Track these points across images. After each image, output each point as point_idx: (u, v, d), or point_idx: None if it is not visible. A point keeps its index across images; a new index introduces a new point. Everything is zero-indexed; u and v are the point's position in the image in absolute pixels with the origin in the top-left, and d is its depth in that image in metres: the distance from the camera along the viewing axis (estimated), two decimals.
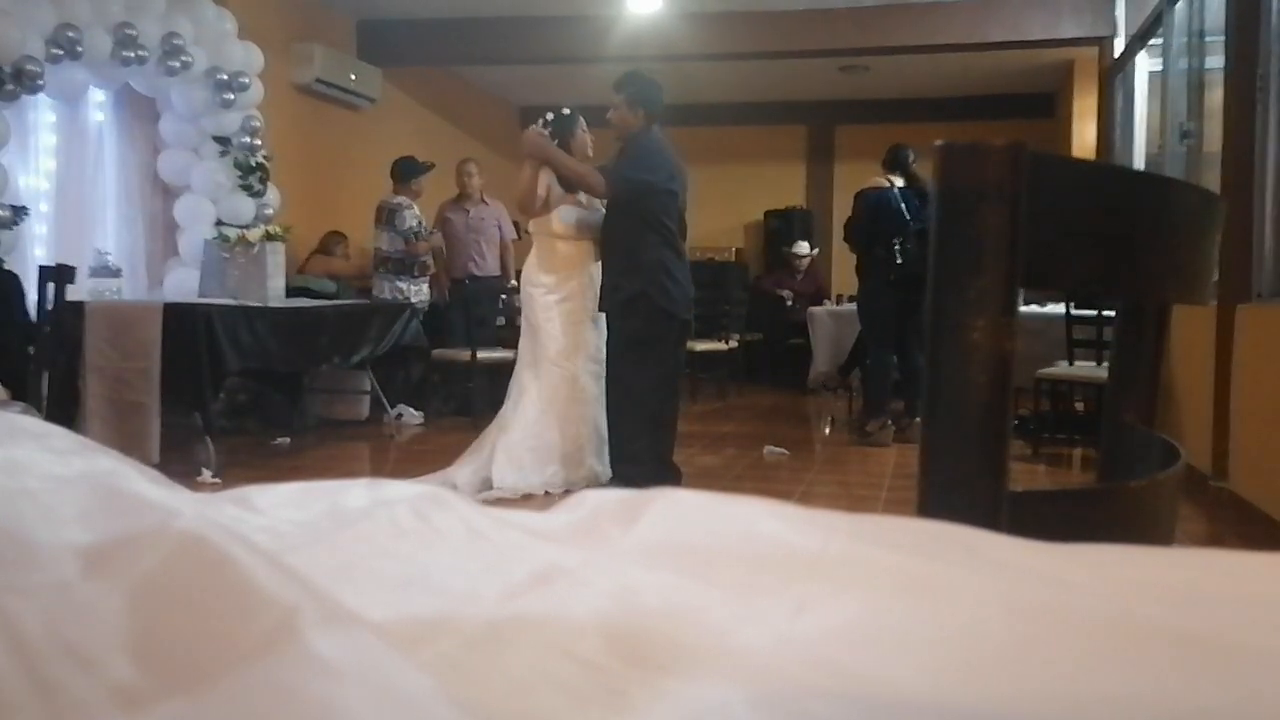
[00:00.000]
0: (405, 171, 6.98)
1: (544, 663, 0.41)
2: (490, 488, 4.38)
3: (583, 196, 4.65)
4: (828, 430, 7.28)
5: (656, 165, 4.39)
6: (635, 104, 4.44)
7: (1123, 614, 0.42)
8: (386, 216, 6.85)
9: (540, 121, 4.68)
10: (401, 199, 6.88)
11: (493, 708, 0.38)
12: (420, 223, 6.89)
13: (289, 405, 6.39)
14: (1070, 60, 8.72)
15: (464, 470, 4.54)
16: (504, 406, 4.68)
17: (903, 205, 6.01)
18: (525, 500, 4.33)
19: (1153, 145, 6.94)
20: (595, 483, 4.48)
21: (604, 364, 4.53)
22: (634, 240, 4.35)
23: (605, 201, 4.52)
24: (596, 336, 4.59)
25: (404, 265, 6.89)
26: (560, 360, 4.56)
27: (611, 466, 4.46)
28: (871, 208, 6.12)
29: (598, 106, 4.84)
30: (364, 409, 6.63)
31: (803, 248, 9.94)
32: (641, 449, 4.35)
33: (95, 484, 0.55)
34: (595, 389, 4.57)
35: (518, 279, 7.46)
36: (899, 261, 5.97)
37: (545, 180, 4.59)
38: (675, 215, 4.42)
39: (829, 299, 9.61)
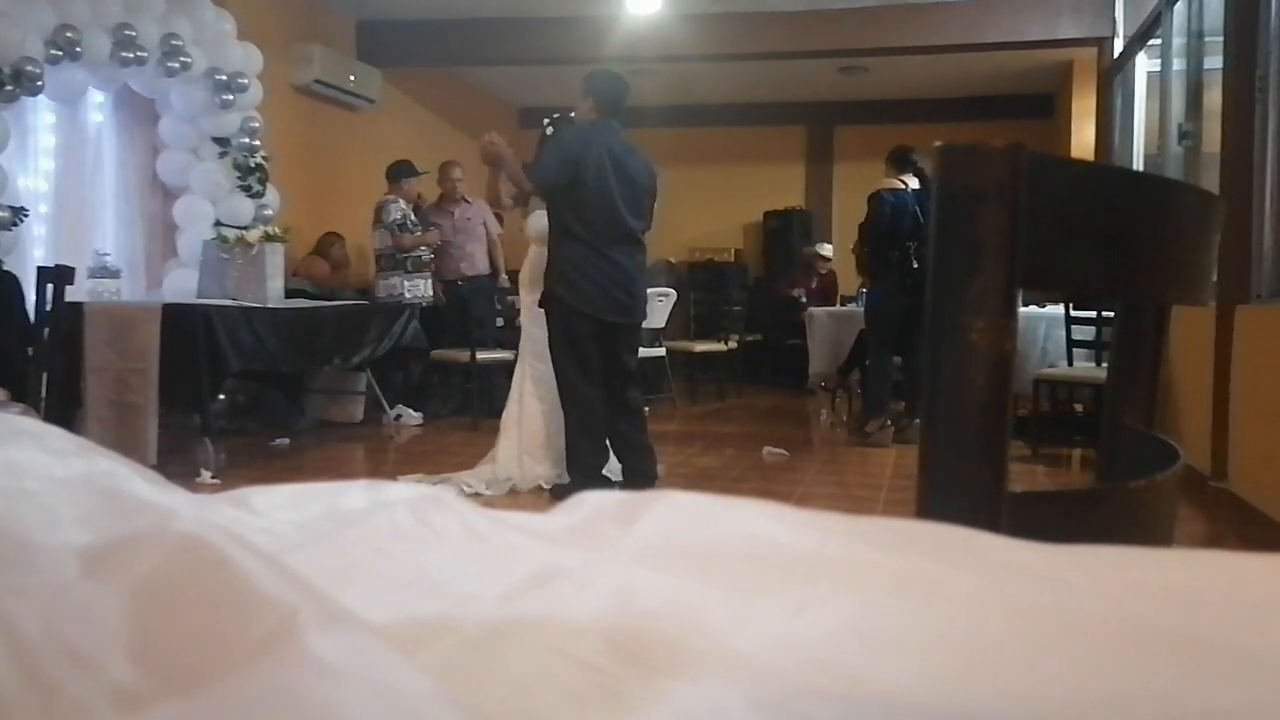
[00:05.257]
0: (397, 172, 7.13)
1: (543, 664, 0.41)
2: (502, 482, 4.55)
3: None
4: (829, 424, 7.28)
5: (556, 161, 4.22)
6: (586, 94, 4.43)
7: (1122, 615, 0.42)
8: (376, 214, 6.98)
9: (545, 122, 4.79)
10: (390, 196, 7.00)
11: (492, 709, 0.38)
12: (405, 215, 6.93)
13: (288, 406, 6.39)
14: (1069, 61, 8.72)
15: (481, 470, 4.64)
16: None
17: (917, 208, 5.99)
18: (524, 500, 4.34)
19: (1151, 146, 6.94)
20: (551, 483, 4.56)
21: None
22: (550, 239, 4.38)
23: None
24: None
25: (396, 261, 6.91)
26: (534, 361, 4.70)
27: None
28: (892, 210, 6.08)
29: None
30: (360, 410, 6.64)
31: (826, 249, 9.75)
32: (583, 452, 4.34)
33: (94, 485, 0.55)
34: None
35: (509, 277, 7.52)
36: (915, 266, 5.93)
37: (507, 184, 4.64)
38: (593, 211, 4.21)
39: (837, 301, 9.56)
